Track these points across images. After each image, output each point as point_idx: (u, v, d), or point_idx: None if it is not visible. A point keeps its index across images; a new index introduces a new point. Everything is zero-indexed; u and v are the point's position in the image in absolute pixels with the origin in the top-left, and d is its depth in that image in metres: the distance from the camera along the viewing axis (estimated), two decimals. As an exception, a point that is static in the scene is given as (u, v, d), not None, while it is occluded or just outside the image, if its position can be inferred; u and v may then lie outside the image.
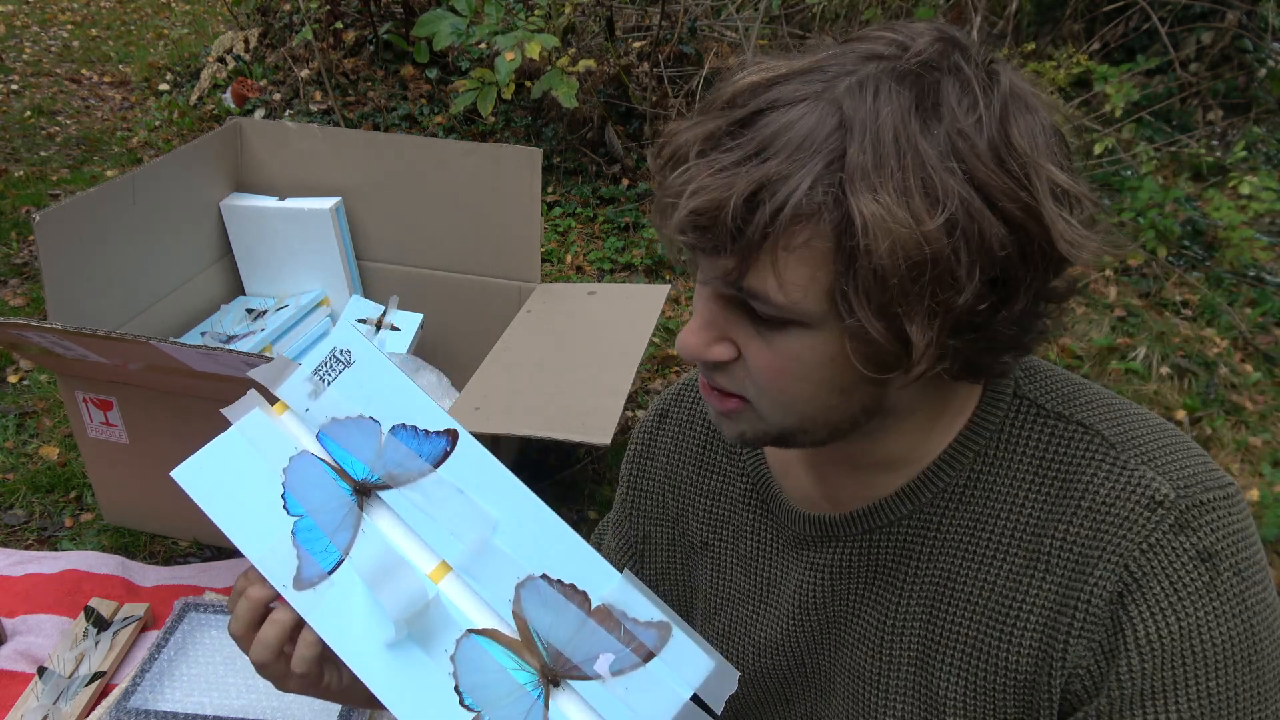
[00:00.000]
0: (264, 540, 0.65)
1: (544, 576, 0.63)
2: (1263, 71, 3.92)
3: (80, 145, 3.69)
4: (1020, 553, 0.64)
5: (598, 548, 0.95)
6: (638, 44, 3.48)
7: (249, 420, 0.68)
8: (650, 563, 0.88)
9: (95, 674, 1.44)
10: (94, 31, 5.30)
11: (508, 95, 2.85)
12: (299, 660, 0.64)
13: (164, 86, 4.33)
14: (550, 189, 3.38)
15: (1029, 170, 0.52)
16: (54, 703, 1.39)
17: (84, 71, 4.57)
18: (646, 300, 1.95)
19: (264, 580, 0.64)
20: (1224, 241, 3.12)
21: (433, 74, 3.72)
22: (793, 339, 0.56)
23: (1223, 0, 3.58)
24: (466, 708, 0.61)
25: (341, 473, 0.67)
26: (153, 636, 1.55)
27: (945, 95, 0.52)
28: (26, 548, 1.76)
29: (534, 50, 2.71)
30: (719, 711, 0.59)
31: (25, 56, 4.71)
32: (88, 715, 1.40)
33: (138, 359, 1.49)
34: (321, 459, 0.67)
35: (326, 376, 0.69)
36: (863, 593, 0.72)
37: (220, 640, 1.51)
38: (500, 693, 0.61)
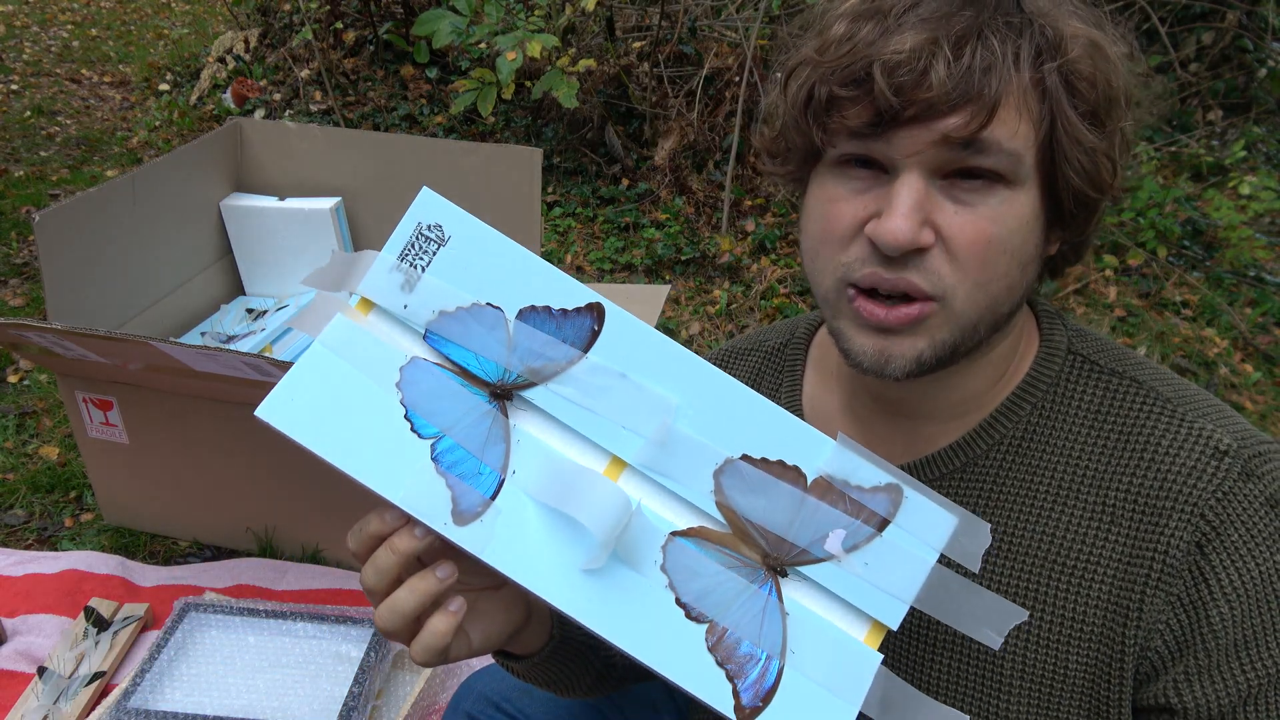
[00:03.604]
0: (401, 474, 0.56)
1: (744, 458, 0.55)
2: (1263, 71, 3.91)
3: (80, 145, 3.69)
4: (1081, 504, 0.64)
5: None
6: (638, 44, 3.48)
7: (335, 330, 0.57)
8: None
9: (95, 674, 1.44)
10: (94, 31, 5.30)
11: (508, 95, 2.85)
12: (426, 641, 0.57)
13: (164, 86, 4.33)
14: (550, 189, 3.38)
15: (1106, 32, 0.61)
16: (54, 703, 1.39)
17: (84, 71, 4.57)
18: (646, 300, 1.95)
19: (409, 525, 0.56)
20: (1224, 241, 3.12)
21: (433, 74, 3.72)
22: (999, 201, 0.58)
23: (1223, 0, 3.57)
24: (695, 619, 0.54)
25: (470, 377, 0.57)
26: (153, 636, 1.55)
27: None
28: (26, 548, 1.76)
29: (535, 50, 2.71)
30: (977, 568, 0.55)
31: (25, 56, 4.71)
32: (88, 715, 1.40)
33: (138, 359, 1.49)
34: (439, 364, 0.57)
35: (418, 261, 0.57)
36: None
37: (220, 640, 1.51)
38: (728, 595, 0.54)
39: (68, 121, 3.93)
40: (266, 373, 1.39)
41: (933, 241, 0.58)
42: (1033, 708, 0.66)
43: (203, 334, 1.98)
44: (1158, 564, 0.61)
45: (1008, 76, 0.54)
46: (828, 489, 0.55)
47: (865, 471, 0.55)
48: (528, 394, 0.56)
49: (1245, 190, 3.12)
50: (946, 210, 0.57)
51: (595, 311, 0.57)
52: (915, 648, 0.72)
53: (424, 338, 0.57)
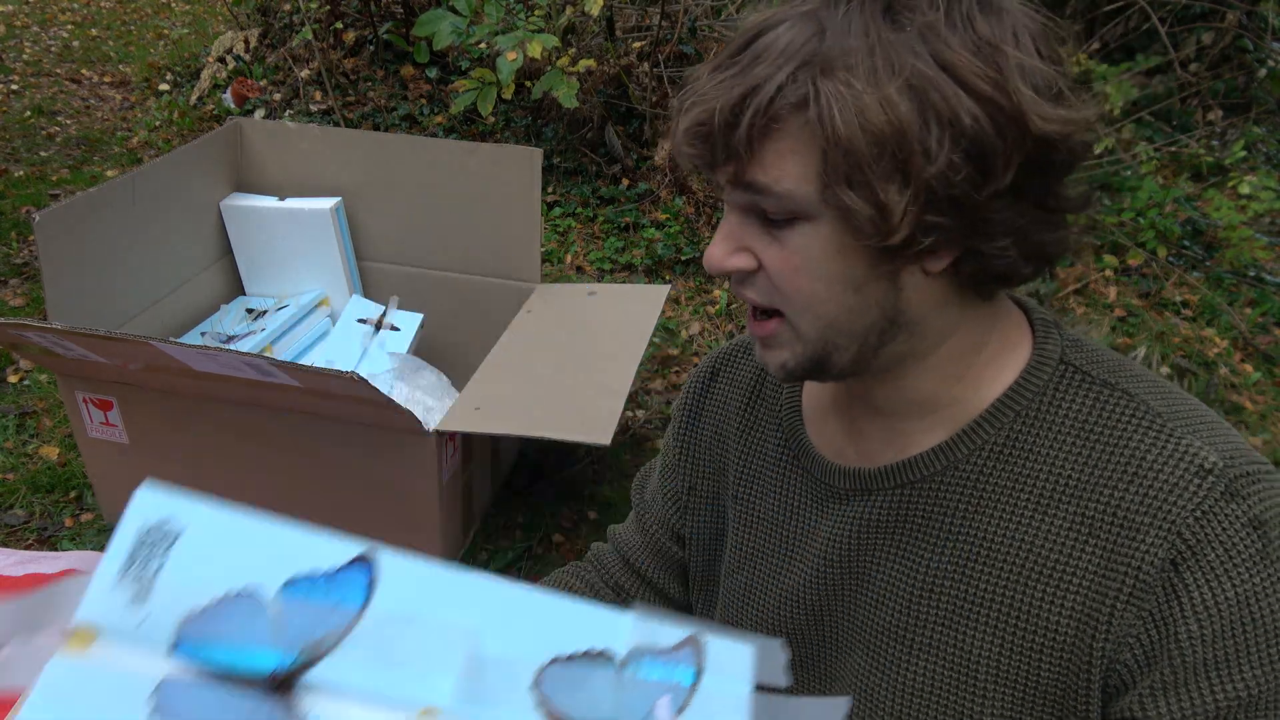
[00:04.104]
0: None
1: (554, 661, 0.53)
2: (1263, 71, 3.92)
3: (80, 145, 3.69)
4: (1062, 514, 0.64)
5: (642, 490, 0.95)
6: (638, 44, 3.48)
7: (52, 679, 0.45)
8: (693, 515, 0.90)
9: (95, 674, 1.44)
10: (94, 31, 5.30)
11: (508, 95, 2.85)
12: None
13: (164, 86, 4.33)
14: (550, 189, 3.38)
15: (994, 51, 0.56)
16: (54, 703, 1.39)
17: (84, 71, 4.57)
18: (646, 300, 1.95)
19: None
20: (1224, 241, 3.12)
21: (433, 74, 3.72)
22: (800, 234, 0.61)
23: (1223, 0, 3.58)
24: None
25: (240, 680, 0.49)
26: (153, 636, 1.55)
27: (917, 2, 0.57)
28: (26, 548, 1.76)
29: (535, 50, 2.71)
30: (785, 682, 0.55)
31: (25, 56, 4.71)
32: (88, 715, 1.40)
33: (138, 359, 1.49)
34: (199, 677, 0.48)
35: (147, 568, 0.49)
36: (891, 547, 0.72)
37: (220, 640, 1.51)
38: None
39: (68, 121, 3.93)
40: (266, 373, 1.39)
41: (753, 266, 0.64)
42: (1007, 713, 0.67)
43: (203, 334, 1.98)
44: (1130, 578, 0.61)
45: (765, 129, 0.58)
46: (639, 661, 0.54)
47: (666, 633, 0.54)
48: (312, 675, 0.49)
49: (1245, 190, 3.12)
50: (763, 242, 0.63)
51: (366, 561, 0.52)
52: (894, 650, 0.72)
53: (173, 651, 0.48)
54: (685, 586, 0.94)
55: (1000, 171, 0.57)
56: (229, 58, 4.01)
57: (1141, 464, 0.63)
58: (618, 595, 0.96)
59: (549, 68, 2.90)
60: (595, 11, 2.84)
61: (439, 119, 3.63)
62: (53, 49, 4.89)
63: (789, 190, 0.59)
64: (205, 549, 0.51)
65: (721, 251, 0.64)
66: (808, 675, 0.81)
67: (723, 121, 0.59)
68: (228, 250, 2.12)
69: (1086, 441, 0.65)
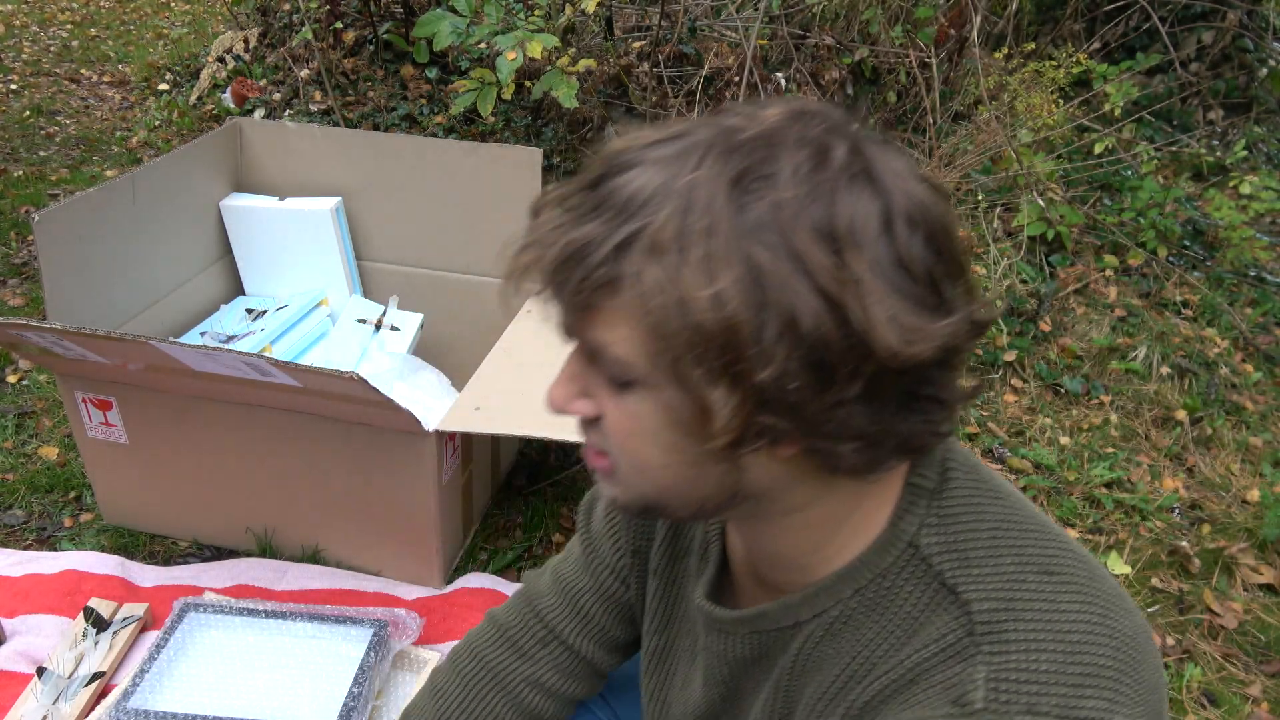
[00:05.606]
0: None
1: None
2: (1263, 71, 3.92)
3: (80, 145, 3.69)
4: (852, 697, 0.63)
5: (589, 517, 0.91)
6: (638, 44, 3.48)
7: None
8: (637, 576, 0.87)
9: (95, 674, 1.44)
10: (93, 31, 5.30)
11: (508, 95, 2.84)
12: None
13: (163, 86, 4.33)
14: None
15: (851, 243, 0.49)
16: (53, 703, 1.39)
17: (83, 71, 4.57)
18: (647, 300, 1.95)
19: None
20: (1224, 241, 3.12)
21: (433, 74, 3.72)
22: (637, 400, 0.56)
23: (1223, 0, 3.57)
24: None
25: None
26: (152, 637, 1.54)
27: (780, 168, 0.50)
28: (26, 548, 1.76)
29: (535, 50, 2.71)
30: None
31: (24, 56, 4.71)
32: (87, 715, 1.40)
33: (138, 359, 1.49)
34: None
35: None
36: (754, 678, 0.72)
37: (220, 640, 1.50)
38: None
39: (67, 121, 3.93)
40: (266, 373, 1.39)
41: (594, 414, 0.59)
42: None
43: (203, 334, 1.97)
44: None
45: (595, 294, 0.53)
46: None
47: None
48: None
49: (1246, 190, 3.12)
50: (605, 392, 0.58)
51: None
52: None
53: None
54: (629, 627, 0.91)
55: (844, 382, 0.50)
56: (229, 57, 4.01)
57: (921, 672, 0.58)
58: (556, 642, 0.92)
59: (549, 68, 2.89)
60: (591, 9, 2.83)
61: (439, 119, 3.62)
62: (52, 49, 4.89)
63: (620, 357, 0.54)
64: None
65: (563, 395, 0.61)
66: None
67: (553, 275, 0.54)
68: (227, 250, 2.12)
69: (905, 644, 0.60)
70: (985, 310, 0.55)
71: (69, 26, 5.33)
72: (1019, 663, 0.55)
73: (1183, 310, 2.88)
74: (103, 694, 1.45)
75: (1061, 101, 3.37)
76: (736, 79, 3.19)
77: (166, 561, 1.75)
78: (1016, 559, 0.59)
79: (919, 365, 0.51)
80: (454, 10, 2.95)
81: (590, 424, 0.61)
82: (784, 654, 0.68)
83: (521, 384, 1.64)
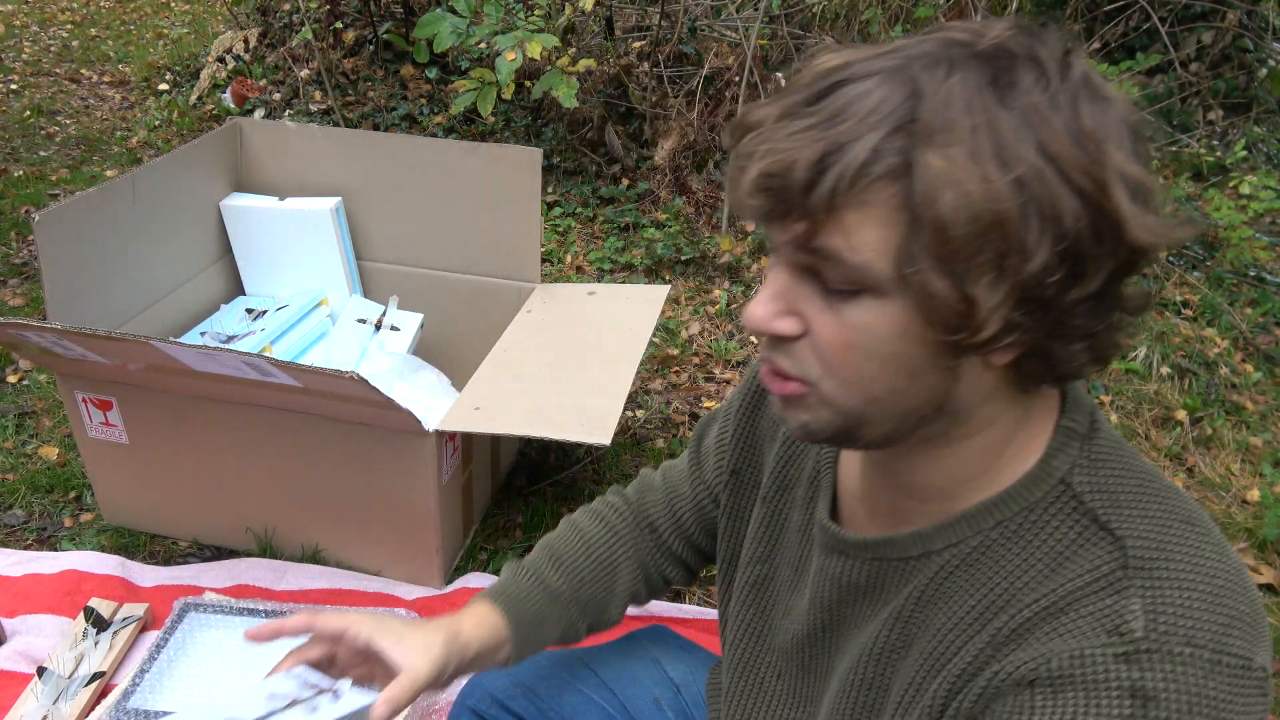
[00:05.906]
0: None
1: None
2: (1263, 71, 3.92)
3: (80, 145, 3.69)
4: (991, 630, 0.62)
5: (700, 441, 0.97)
6: (638, 44, 3.48)
7: None
8: (731, 499, 0.90)
9: (95, 674, 1.44)
10: (93, 31, 5.30)
11: (508, 95, 2.85)
12: None
13: (163, 86, 4.33)
14: (550, 189, 3.37)
15: (1098, 147, 0.52)
16: (53, 703, 1.39)
17: (83, 71, 4.57)
18: (646, 300, 1.95)
19: None
20: (1224, 241, 3.12)
21: (433, 74, 3.72)
22: (863, 309, 0.56)
23: (1223, 0, 3.58)
24: None
25: None
26: (152, 637, 1.54)
27: (1020, 76, 0.53)
28: (26, 548, 1.76)
29: (535, 50, 2.71)
30: None
31: (25, 56, 4.71)
32: (87, 715, 1.40)
33: (138, 359, 1.49)
34: None
35: None
36: (863, 608, 0.72)
37: (220, 640, 1.50)
38: None
39: (67, 121, 3.93)
40: (266, 373, 1.39)
41: (797, 332, 0.59)
42: None
43: (203, 334, 1.97)
44: (985, 679, 0.60)
45: (846, 194, 0.52)
46: None
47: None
48: None
49: (1246, 190, 3.12)
50: (815, 307, 0.57)
51: None
52: (844, 706, 0.72)
53: None
54: (714, 541, 0.94)
55: (1092, 276, 0.53)
56: (229, 57, 4.01)
57: (1072, 601, 0.58)
58: (652, 534, 1.00)
59: (549, 68, 2.90)
60: (589, 8, 2.83)
61: (439, 119, 3.63)
62: (52, 49, 4.89)
63: (864, 262, 0.54)
64: None
65: (767, 312, 0.59)
66: (795, 700, 0.80)
67: (802, 178, 0.52)
68: (227, 250, 2.12)
69: (1053, 575, 0.60)
70: (1190, 222, 0.58)
71: (69, 26, 5.33)
72: (1173, 598, 0.57)
73: (1183, 310, 2.88)
74: (103, 694, 1.45)
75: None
76: (736, 79, 3.20)
77: (166, 561, 1.75)
78: (1161, 507, 0.61)
79: (1144, 264, 0.55)
80: (454, 11, 2.95)
81: (783, 346, 0.60)
82: (905, 584, 0.68)
83: (522, 384, 1.64)
